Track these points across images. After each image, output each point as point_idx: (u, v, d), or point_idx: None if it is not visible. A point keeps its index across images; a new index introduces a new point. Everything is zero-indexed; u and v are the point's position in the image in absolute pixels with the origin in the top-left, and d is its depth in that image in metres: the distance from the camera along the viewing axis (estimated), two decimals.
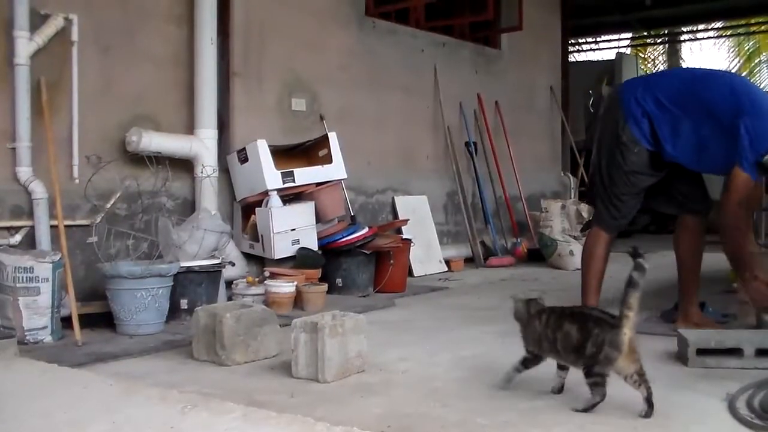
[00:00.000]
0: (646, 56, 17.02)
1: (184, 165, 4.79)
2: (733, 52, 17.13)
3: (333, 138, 5.30)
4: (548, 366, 3.06)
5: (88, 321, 3.82)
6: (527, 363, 2.64)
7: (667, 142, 3.25)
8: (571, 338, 2.45)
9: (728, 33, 15.86)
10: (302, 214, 4.97)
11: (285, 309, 4.27)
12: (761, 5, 11.01)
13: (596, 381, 2.39)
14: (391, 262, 5.24)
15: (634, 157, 3.28)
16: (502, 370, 2.72)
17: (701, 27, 15.00)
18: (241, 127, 5.24)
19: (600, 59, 14.15)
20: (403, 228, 6.05)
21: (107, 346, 3.54)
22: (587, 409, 2.40)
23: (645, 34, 14.55)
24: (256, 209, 4.95)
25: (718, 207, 3.34)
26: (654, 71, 16.71)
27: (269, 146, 4.95)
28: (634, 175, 3.31)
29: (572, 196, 8.65)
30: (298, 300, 4.47)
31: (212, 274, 4.21)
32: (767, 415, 2.33)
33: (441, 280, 5.90)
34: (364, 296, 5.00)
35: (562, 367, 2.61)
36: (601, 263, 3.45)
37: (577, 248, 6.50)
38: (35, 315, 3.55)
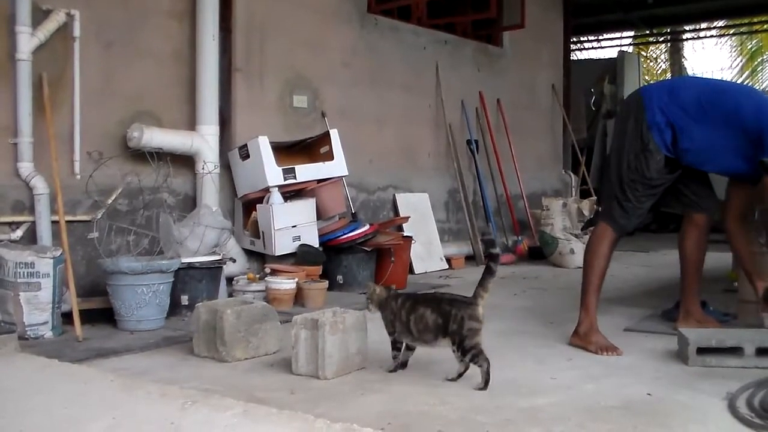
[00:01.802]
0: (648, 55, 17.00)
1: (186, 161, 4.79)
2: (735, 50, 17.11)
3: (334, 135, 5.30)
4: (547, 366, 3.07)
5: (89, 317, 3.82)
6: (395, 345, 2.92)
7: (688, 150, 3.32)
8: (426, 321, 2.75)
9: (731, 32, 15.82)
10: (303, 211, 4.97)
11: (285, 306, 4.27)
12: (764, 4, 10.96)
13: (474, 353, 2.68)
14: (392, 259, 5.24)
15: (655, 164, 3.36)
16: (503, 368, 2.73)
17: (704, 25, 14.98)
18: (243, 123, 5.23)
19: (602, 57, 14.14)
20: (404, 225, 6.04)
21: (108, 341, 3.54)
22: (487, 381, 2.64)
23: (647, 32, 14.51)
24: (257, 206, 4.95)
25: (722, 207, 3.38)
26: (662, 75, 16.75)
27: (270, 143, 4.95)
28: (654, 179, 3.38)
29: (573, 194, 8.65)
30: (299, 297, 4.47)
31: (213, 270, 4.21)
32: (767, 415, 2.33)
33: (442, 278, 5.89)
34: (364, 293, 4.98)
35: (410, 348, 2.90)
36: (604, 261, 3.44)
37: (578, 246, 6.50)
38: (36, 310, 3.55)
